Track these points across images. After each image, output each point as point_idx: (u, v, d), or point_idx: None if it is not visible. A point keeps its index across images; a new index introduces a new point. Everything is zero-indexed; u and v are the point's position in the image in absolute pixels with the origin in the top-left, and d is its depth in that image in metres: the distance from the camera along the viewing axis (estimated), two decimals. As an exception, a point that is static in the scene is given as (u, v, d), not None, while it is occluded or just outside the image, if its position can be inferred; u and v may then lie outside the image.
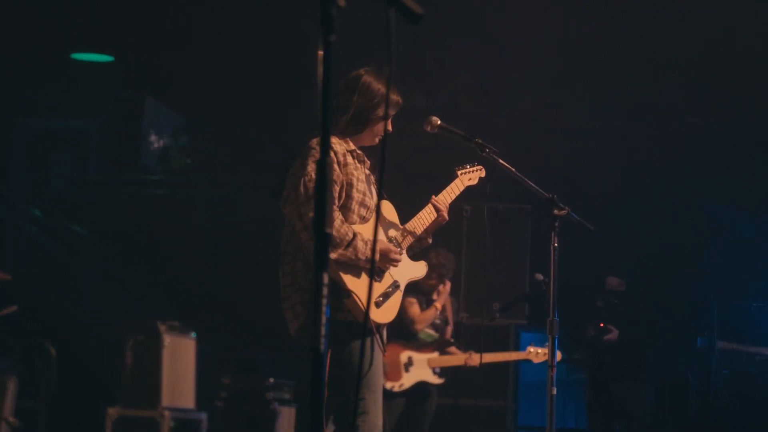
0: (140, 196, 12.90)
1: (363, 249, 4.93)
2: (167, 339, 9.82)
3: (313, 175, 4.83)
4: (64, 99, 12.51)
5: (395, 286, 5.21)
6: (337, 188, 4.97)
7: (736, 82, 10.45)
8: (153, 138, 13.05)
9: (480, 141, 5.47)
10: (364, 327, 4.76)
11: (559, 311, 5.40)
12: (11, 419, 8.90)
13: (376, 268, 5.07)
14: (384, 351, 5.18)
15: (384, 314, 5.12)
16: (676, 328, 10.55)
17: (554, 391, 5.39)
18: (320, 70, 2.58)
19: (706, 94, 10.76)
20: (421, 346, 9.22)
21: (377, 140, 5.22)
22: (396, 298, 5.22)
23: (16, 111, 12.83)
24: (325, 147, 2.64)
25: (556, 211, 5.49)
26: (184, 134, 13.29)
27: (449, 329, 9.30)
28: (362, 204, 5.07)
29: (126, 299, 12.15)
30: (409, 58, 9.82)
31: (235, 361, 10.23)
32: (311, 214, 4.72)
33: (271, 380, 9.95)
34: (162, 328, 9.81)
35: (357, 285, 4.95)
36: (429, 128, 5.35)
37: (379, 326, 5.11)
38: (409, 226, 5.32)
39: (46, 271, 12.25)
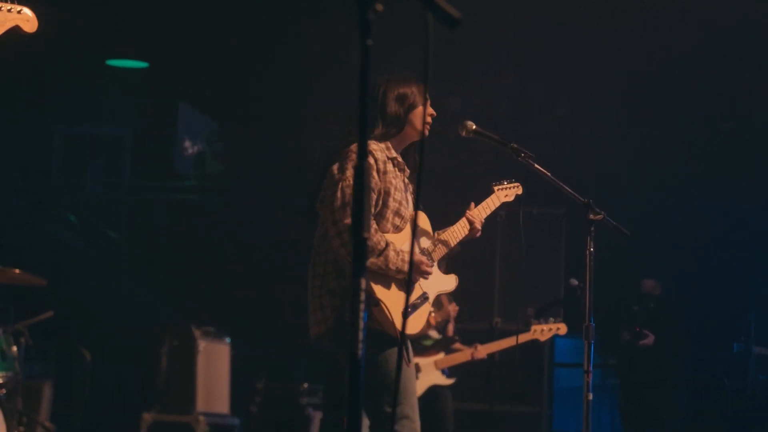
0: (174, 201, 12.95)
1: (394, 259, 4.91)
2: (202, 344, 9.86)
3: (352, 181, 4.82)
4: (99, 105, 12.58)
5: (424, 298, 5.19)
6: (374, 196, 4.96)
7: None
8: (187, 144, 13.09)
9: (515, 145, 5.46)
10: (402, 336, 4.73)
11: (594, 316, 5.37)
12: (47, 424, 8.93)
13: (406, 279, 5.05)
14: (409, 363, 5.18)
15: (411, 326, 5.11)
16: (713, 333, 10.50)
17: (590, 397, 5.36)
18: (358, 74, 2.57)
19: (741, 98, 10.70)
20: (426, 350, 9.15)
21: (422, 129, 5.18)
22: (424, 310, 5.20)
23: (52, 117, 12.91)
24: (363, 152, 2.63)
25: (591, 216, 5.46)
26: (218, 140, 13.33)
27: (450, 327, 9.21)
28: (397, 213, 5.06)
29: (161, 304, 12.19)
30: (442, 61, 9.79)
31: (269, 366, 10.26)
32: (346, 221, 4.74)
33: (305, 385, 9.98)
34: (197, 333, 9.85)
35: (386, 295, 4.93)
36: (464, 133, 5.33)
37: (403, 337, 5.09)
38: (442, 237, 5.31)
39: (81, 276, 12.31)
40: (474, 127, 5.34)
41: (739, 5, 9.19)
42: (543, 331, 8.63)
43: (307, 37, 10.59)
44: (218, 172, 13.29)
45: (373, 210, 4.97)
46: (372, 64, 2.57)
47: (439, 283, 5.31)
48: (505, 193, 5.62)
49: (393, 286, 4.99)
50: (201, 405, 9.69)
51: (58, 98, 12.38)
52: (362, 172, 2.63)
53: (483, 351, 8.89)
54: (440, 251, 5.28)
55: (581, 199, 5.48)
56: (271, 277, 11.99)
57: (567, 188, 5.49)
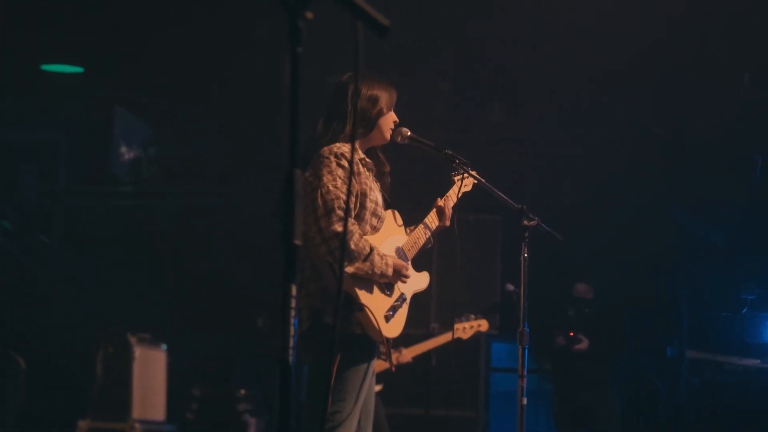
0: (110, 206, 12.86)
1: (379, 263, 4.92)
2: (138, 351, 9.80)
3: (330, 187, 4.83)
4: (33, 110, 12.47)
5: (402, 299, 5.20)
6: (353, 198, 4.97)
7: (705, 92, 10.51)
8: (123, 149, 13.00)
9: (450, 152, 5.49)
10: (388, 342, 4.72)
11: (529, 321, 5.41)
12: (-20, 432, 8.85)
13: (387, 282, 5.06)
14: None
15: (393, 328, 5.12)
16: (646, 337, 10.60)
17: (524, 401, 5.40)
18: (287, 80, 2.58)
19: (674, 104, 10.82)
20: None
21: (388, 136, 5.23)
22: (403, 312, 5.21)
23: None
24: (294, 158, 2.64)
25: (525, 222, 5.51)
26: (154, 145, 13.25)
27: None
28: (374, 214, 5.07)
29: (96, 311, 12.10)
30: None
31: (205, 372, 10.22)
32: (332, 228, 4.75)
33: (242, 392, 9.94)
34: (132, 339, 9.79)
35: (369, 299, 4.94)
36: (399, 139, 5.34)
37: (388, 341, 5.11)
38: (414, 235, 5.33)
39: (15, 282, 12.19)
40: (409, 133, 5.35)
41: (669, 17, 9.31)
42: (465, 329, 8.56)
43: (246, 40, 10.56)
44: (154, 178, 13.21)
45: (352, 213, 4.97)
46: (302, 71, 2.58)
47: (415, 282, 5.32)
48: (464, 182, 5.64)
49: (376, 290, 5.01)
50: (137, 412, 9.63)
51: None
52: (293, 178, 2.63)
53: (408, 354, 8.85)
54: (413, 250, 5.30)
55: (515, 205, 5.53)
56: (207, 282, 11.95)
57: (501, 194, 5.53)
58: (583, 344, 9.74)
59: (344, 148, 4.99)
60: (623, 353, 10.09)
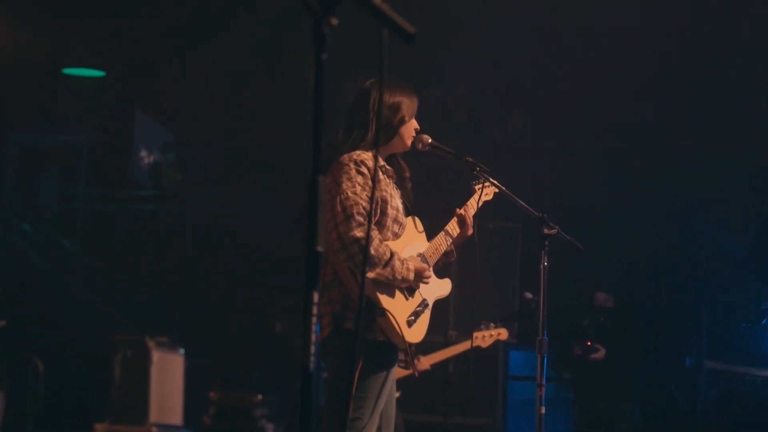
0: (130, 211, 12.89)
1: (400, 269, 4.92)
2: (156, 355, 9.82)
3: (349, 193, 4.83)
4: (55, 114, 12.52)
5: (424, 304, 5.19)
6: (372, 206, 4.97)
7: (727, 102, 10.49)
8: (143, 153, 13.04)
9: (471, 159, 5.47)
10: (411, 347, 4.71)
11: (548, 330, 5.39)
12: (-2, 434, 8.87)
13: (408, 288, 5.06)
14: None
15: (416, 333, 5.10)
16: (665, 347, 10.55)
17: (543, 411, 5.37)
18: (311, 86, 2.58)
19: (696, 115, 10.80)
20: None
21: (409, 143, 5.23)
22: (425, 317, 5.19)
23: (6, 125, 12.83)
24: (317, 165, 2.64)
25: (546, 230, 5.48)
26: (174, 150, 13.29)
27: None
28: (395, 220, 5.07)
29: (115, 314, 12.13)
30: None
31: (223, 377, 10.23)
32: (352, 234, 4.75)
33: (259, 397, 9.94)
34: (150, 343, 9.81)
35: (391, 304, 4.93)
36: (420, 146, 5.33)
37: (411, 346, 5.09)
38: (436, 242, 5.32)
39: (34, 285, 12.23)
40: (430, 140, 5.34)
41: (694, 25, 9.29)
42: (485, 337, 8.54)
43: (268, 47, 10.58)
44: (174, 182, 13.24)
45: (373, 219, 4.97)
46: (327, 77, 2.58)
47: (437, 288, 5.32)
48: (485, 191, 5.63)
49: (398, 295, 5.00)
50: (154, 416, 9.65)
51: (14, 106, 12.30)
52: (316, 185, 2.63)
53: (426, 362, 8.82)
54: (435, 256, 5.29)
55: (536, 213, 5.50)
56: (226, 287, 11.96)
57: (521, 202, 5.51)
58: (600, 353, 9.70)
59: (364, 155, 4.98)
60: (643, 363, 10.05)
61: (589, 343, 9.69)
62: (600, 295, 10.01)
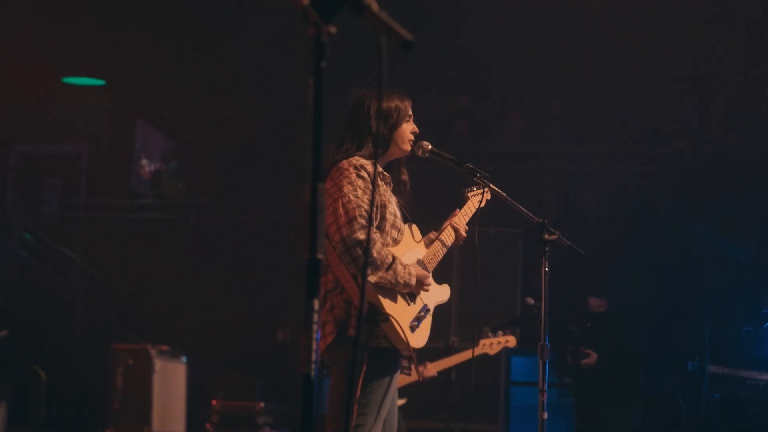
0: (131, 220, 12.90)
1: (402, 273, 4.92)
2: (158, 363, 9.81)
3: (351, 197, 4.84)
4: (55, 123, 12.52)
5: (426, 310, 5.19)
6: (374, 209, 4.98)
7: (729, 106, 10.50)
8: (144, 162, 13.05)
9: (471, 165, 5.47)
10: (415, 352, 4.71)
11: (550, 335, 5.39)
12: (1, 444, 8.87)
13: (410, 293, 5.07)
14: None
15: (419, 338, 5.10)
16: (667, 351, 10.55)
17: (545, 416, 5.36)
18: (310, 94, 2.59)
19: (697, 120, 10.81)
20: None
21: (407, 147, 5.22)
22: (427, 323, 5.20)
23: (7, 135, 12.84)
24: (317, 173, 2.64)
25: (546, 236, 5.48)
26: (176, 158, 13.30)
27: None
28: (394, 226, 5.07)
29: (117, 323, 12.13)
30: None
31: (225, 385, 10.22)
32: (354, 236, 4.76)
33: (262, 405, 9.94)
34: (152, 352, 9.81)
35: (394, 309, 4.94)
36: (420, 153, 5.33)
37: (414, 351, 5.09)
38: (433, 249, 5.32)
39: (36, 295, 12.23)
40: (430, 147, 5.34)
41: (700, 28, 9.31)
42: (492, 344, 8.56)
43: (269, 56, 10.60)
44: (175, 191, 13.25)
45: (374, 224, 4.98)
46: (324, 84, 2.59)
47: (437, 294, 5.32)
48: (478, 198, 5.62)
49: (399, 300, 5.00)
50: (156, 424, 9.64)
51: (15, 116, 12.31)
52: (317, 194, 2.64)
53: (432, 369, 8.81)
54: (433, 263, 5.30)
55: (536, 219, 5.50)
56: (227, 295, 11.96)
57: (521, 208, 5.50)
58: (591, 359, 9.68)
59: (363, 160, 5.00)
60: (638, 368, 10.04)
61: (582, 349, 9.67)
62: (592, 300, 10.00)
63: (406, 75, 8.61)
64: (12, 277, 12.53)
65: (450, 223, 5.41)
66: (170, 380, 9.98)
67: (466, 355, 8.88)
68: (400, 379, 8.45)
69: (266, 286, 11.84)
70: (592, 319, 9.87)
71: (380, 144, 5.15)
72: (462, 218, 5.47)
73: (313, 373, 2.60)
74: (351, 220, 4.79)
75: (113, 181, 12.97)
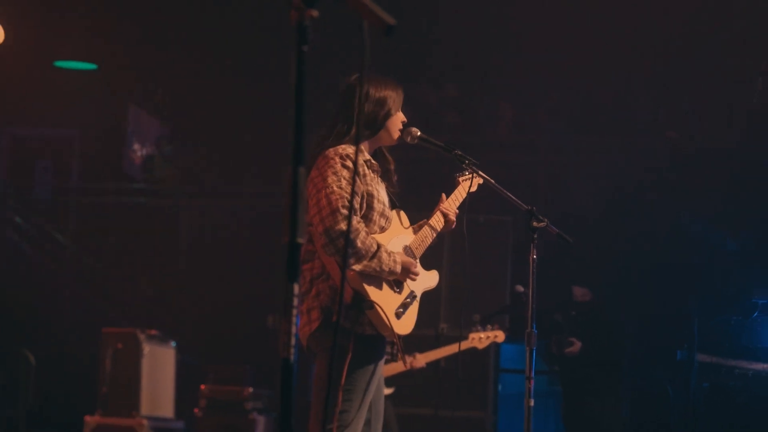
0: (122, 204, 12.88)
1: (387, 260, 4.92)
2: (146, 348, 9.82)
3: (335, 188, 4.83)
4: (47, 107, 12.50)
5: (412, 296, 5.18)
6: (358, 199, 4.96)
7: (716, 97, 10.51)
8: (136, 146, 13.03)
9: (459, 152, 5.47)
10: (400, 339, 4.72)
11: (538, 322, 5.39)
12: (-11, 427, 8.87)
13: (395, 280, 5.07)
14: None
15: (404, 325, 5.10)
16: (656, 340, 10.56)
17: (532, 403, 5.36)
18: (292, 78, 2.59)
19: (686, 109, 10.81)
20: None
21: (396, 137, 5.22)
22: (414, 309, 5.19)
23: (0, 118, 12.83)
24: (298, 156, 2.64)
25: (535, 223, 5.48)
26: (168, 143, 13.28)
27: None
28: (382, 214, 5.06)
29: (106, 307, 12.12)
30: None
31: (214, 370, 10.22)
32: (338, 227, 4.75)
33: (250, 390, 9.95)
34: (141, 336, 9.81)
35: (379, 296, 4.93)
36: (409, 139, 5.32)
37: (400, 338, 5.09)
38: (421, 234, 5.32)
39: (27, 279, 12.22)
40: (419, 133, 5.34)
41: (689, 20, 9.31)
42: (481, 339, 8.58)
43: (260, 41, 10.58)
44: (167, 176, 13.24)
45: (358, 213, 4.98)
46: (307, 69, 2.58)
47: (425, 280, 5.30)
48: (469, 183, 5.61)
49: (384, 288, 5.00)
50: (145, 409, 9.65)
51: (6, 99, 12.29)
52: (297, 179, 2.63)
53: (422, 360, 8.81)
54: (421, 249, 5.29)
55: (524, 206, 5.50)
56: (217, 280, 11.96)
57: (510, 195, 5.50)
58: (574, 347, 9.68)
59: (349, 149, 4.98)
60: (625, 358, 10.05)
61: (569, 339, 9.68)
62: (577, 290, 10.00)
63: (395, 64, 8.59)
64: (2, 261, 12.52)
65: (438, 208, 5.40)
66: (159, 365, 9.99)
67: (454, 348, 8.89)
68: (389, 369, 8.48)
69: (257, 271, 11.84)
70: (577, 309, 9.88)
71: (370, 128, 5.15)
72: (452, 203, 5.45)
73: (292, 357, 2.60)
74: (334, 211, 4.78)
75: (105, 166, 12.96)
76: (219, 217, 12.45)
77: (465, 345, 8.61)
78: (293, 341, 2.59)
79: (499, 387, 10.91)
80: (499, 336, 8.60)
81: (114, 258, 12.33)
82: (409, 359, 8.70)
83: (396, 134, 5.20)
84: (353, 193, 4.50)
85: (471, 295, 9.90)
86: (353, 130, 5.06)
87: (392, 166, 5.32)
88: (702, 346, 10.16)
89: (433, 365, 9.13)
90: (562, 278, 10.06)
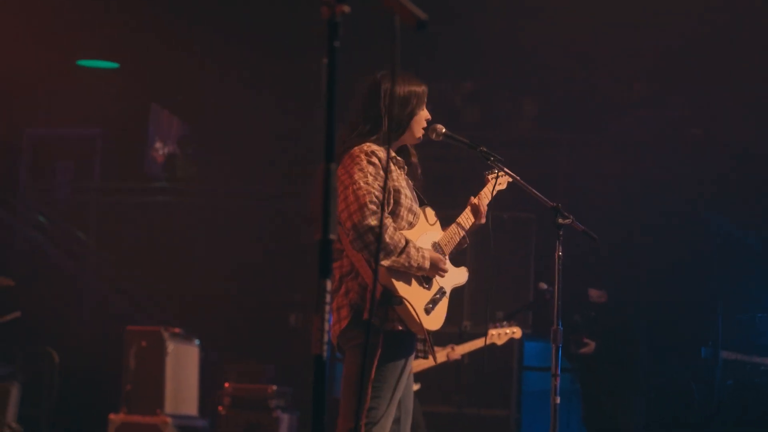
0: (144, 203, 12.90)
1: (416, 256, 4.92)
2: (170, 346, 9.83)
3: (362, 183, 4.83)
4: (69, 106, 12.52)
5: (442, 292, 5.18)
6: (384, 195, 4.96)
7: (741, 94, 10.46)
8: (158, 145, 13.05)
9: (485, 149, 5.46)
10: (429, 335, 4.70)
11: (563, 320, 5.37)
12: (14, 425, 8.89)
13: (424, 276, 5.06)
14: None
15: (434, 321, 5.10)
16: (681, 338, 10.53)
17: (558, 400, 5.35)
18: (324, 76, 2.58)
19: (710, 106, 10.77)
20: None
21: (420, 135, 5.21)
22: (443, 305, 5.19)
23: (21, 118, 12.84)
24: (330, 153, 2.63)
25: (560, 220, 5.45)
26: (190, 142, 13.29)
27: None
28: (410, 210, 5.06)
29: (130, 306, 12.15)
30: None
31: (238, 368, 10.24)
32: (366, 222, 4.75)
33: (274, 388, 9.96)
34: (165, 335, 9.83)
35: (408, 292, 4.93)
36: (434, 136, 5.32)
37: (429, 334, 5.09)
38: (450, 231, 5.31)
39: (50, 277, 12.25)
40: (444, 130, 5.33)
41: (709, 14, 9.27)
42: (500, 335, 8.61)
43: (283, 39, 10.58)
44: (189, 175, 13.25)
45: (387, 209, 4.97)
46: (339, 65, 2.58)
47: (453, 276, 5.30)
48: (499, 180, 5.60)
49: (413, 283, 5.00)
50: (169, 407, 9.66)
51: (28, 98, 12.32)
52: (329, 174, 2.63)
53: (459, 351, 8.87)
54: (450, 245, 5.28)
55: (549, 202, 5.47)
56: (240, 279, 11.97)
57: (535, 192, 5.49)
58: (590, 347, 9.66)
59: (374, 146, 4.99)
60: (639, 357, 10.02)
61: (584, 339, 9.67)
62: (592, 291, 9.98)
63: (418, 60, 8.58)
64: (25, 259, 12.56)
65: (469, 205, 5.40)
66: (183, 363, 10.00)
67: (479, 343, 8.93)
68: (416, 364, 8.49)
69: (279, 270, 11.84)
70: (596, 309, 9.86)
71: (395, 128, 5.14)
72: (482, 200, 5.45)
73: (325, 354, 2.59)
74: (362, 206, 4.78)
75: (127, 165, 12.97)
76: (241, 217, 12.45)
77: (484, 341, 8.64)
78: (326, 338, 2.59)
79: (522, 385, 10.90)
80: (517, 332, 8.63)
81: (136, 256, 12.35)
82: (446, 351, 8.75)
83: (420, 132, 5.20)
84: (384, 189, 4.50)
85: (494, 292, 9.89)
86: (380, 130, 5.05)
87: (415, 159, 5.31)
88: (726, 343, 10.13)
89: (456, 364, 9.14)
90: (580, 279, 10.03)
